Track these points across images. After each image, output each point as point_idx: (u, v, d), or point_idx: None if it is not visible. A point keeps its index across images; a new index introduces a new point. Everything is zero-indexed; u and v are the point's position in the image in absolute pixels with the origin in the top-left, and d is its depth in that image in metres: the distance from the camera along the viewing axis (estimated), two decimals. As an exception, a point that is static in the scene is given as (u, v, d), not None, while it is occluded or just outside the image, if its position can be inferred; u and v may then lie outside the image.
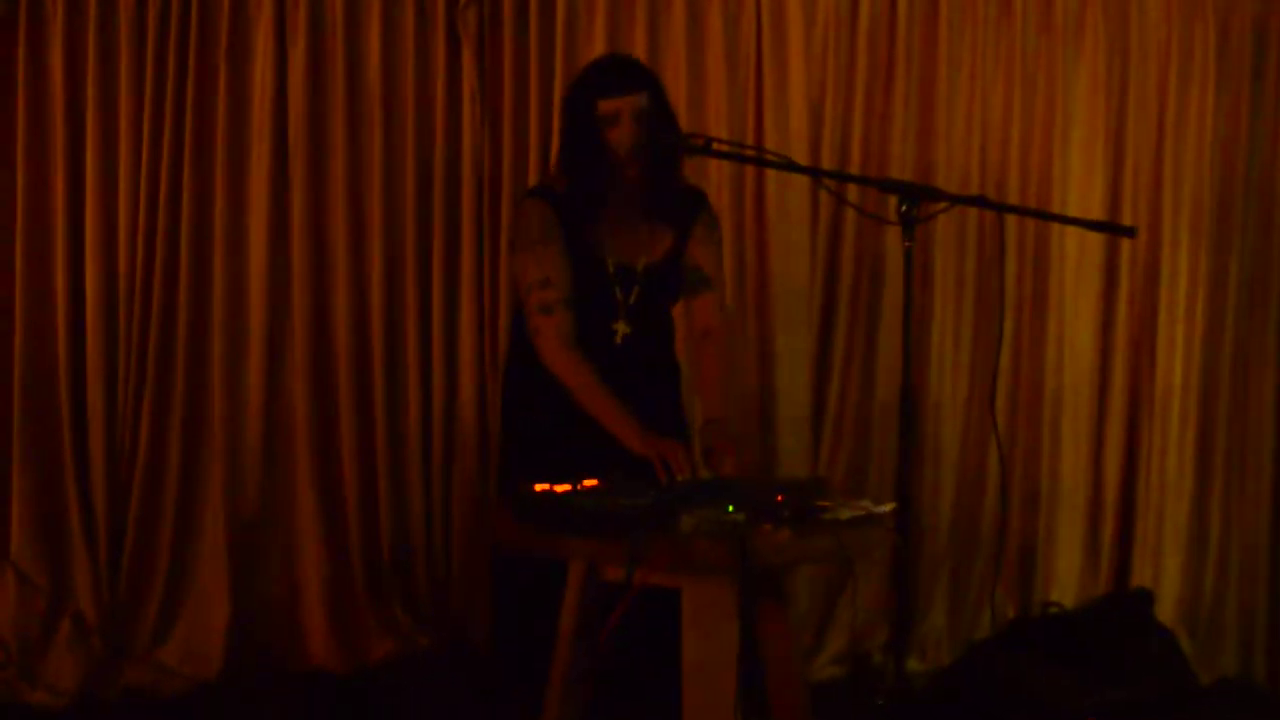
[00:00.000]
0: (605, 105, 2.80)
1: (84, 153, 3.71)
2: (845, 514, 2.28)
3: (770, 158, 2.75)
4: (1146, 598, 3.56)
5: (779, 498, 2.28)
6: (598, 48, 3.83)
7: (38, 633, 3.64)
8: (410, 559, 3.92)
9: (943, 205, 2.51)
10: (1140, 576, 3.92)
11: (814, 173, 3.75)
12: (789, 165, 2.71)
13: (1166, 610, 3.82)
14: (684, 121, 3.09)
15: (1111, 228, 2.55)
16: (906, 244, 2.49)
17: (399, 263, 3.90)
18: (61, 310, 3.72)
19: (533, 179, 3.87)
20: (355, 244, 3.88)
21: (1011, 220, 3.88)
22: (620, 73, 2.88)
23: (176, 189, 3.75)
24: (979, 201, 2.54)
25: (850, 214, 3.97)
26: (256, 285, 3.82)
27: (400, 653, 3.81)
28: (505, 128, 3.89)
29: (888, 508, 2.33)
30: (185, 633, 3.75)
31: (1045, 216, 2.72)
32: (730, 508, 2.21)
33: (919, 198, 2.48)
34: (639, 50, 3.83)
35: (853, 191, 3.91)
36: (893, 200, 2.57)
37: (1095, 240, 3.96)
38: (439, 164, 3.90)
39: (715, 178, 3.84)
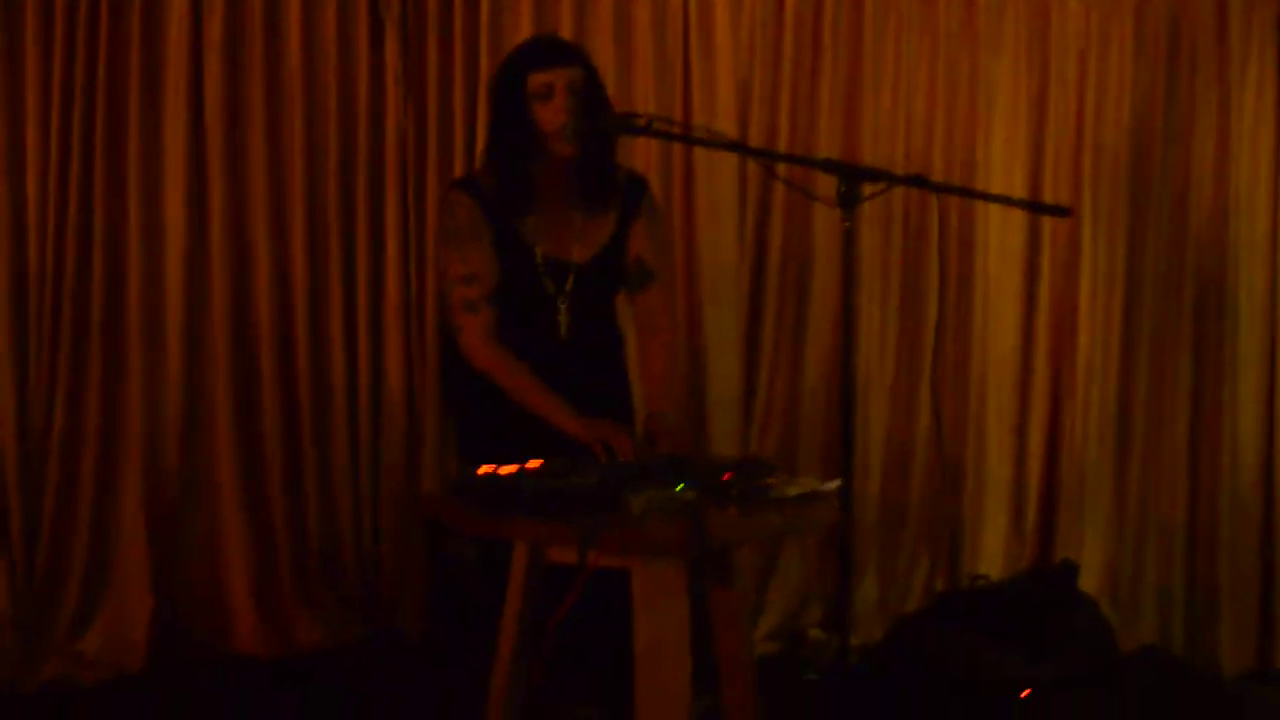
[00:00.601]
0: (536, 79, 2.73)
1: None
2: (792, 491, 2.29)
3: (712, 137, 2.73)
4: (1072, 570, 3.64)
5: (726, 475, 2.28)
6: (524, 29, 3.80)
7: (-50, 627, 3.54)
8: (338, 544, 3.88)
9: (881, 185, 2.52)
10: (1063, 550, 4.01)
11: (759, 154, 3.75)
12: (735, 146, 2.72)
13: (1089, 582, 3.91)
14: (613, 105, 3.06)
15: (1047, 208, 2.59)
16: (845, 224, 2.51)
17: (322, 246, 3.84)
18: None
19: (458, 163, 3.84)
20: (276, 227, 3.81)
21: (936, 203, 3.94)
22: (552, 47, 2.83)
23: (89, 168, 3.65)
24: (919, 182, 2.56)
25: (779, 196, 3.99)
26: (174, 269, 3.74)
27: (330, 639, 3.76)
28: (430, 110, 3.85)
29: (833, 485, 2.35)
30: (106, 622, 3.67)
31: (985, 198, 2.76)
32: (680, 487, 2.21)
33: (859, 178, 2.49)
34: (566, 31, 3.82)
35: (780, 172, 3.93)
36: (821, 185, 2.58)
37: (1018, 224, 4.03)
38: (362, 146, 3.85)
39: (643, 158, 3.83)
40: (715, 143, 2.76)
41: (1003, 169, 4.04)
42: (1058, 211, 2.55)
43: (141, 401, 3.71)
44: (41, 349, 3.65)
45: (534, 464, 2.37)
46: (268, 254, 3.80)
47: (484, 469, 2.34)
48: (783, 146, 3.99)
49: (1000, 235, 4.06)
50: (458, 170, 3.82)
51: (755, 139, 3.97)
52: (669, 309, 2.97)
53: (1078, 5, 4.03)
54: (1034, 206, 2.68)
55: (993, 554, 4.06)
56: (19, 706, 3.40)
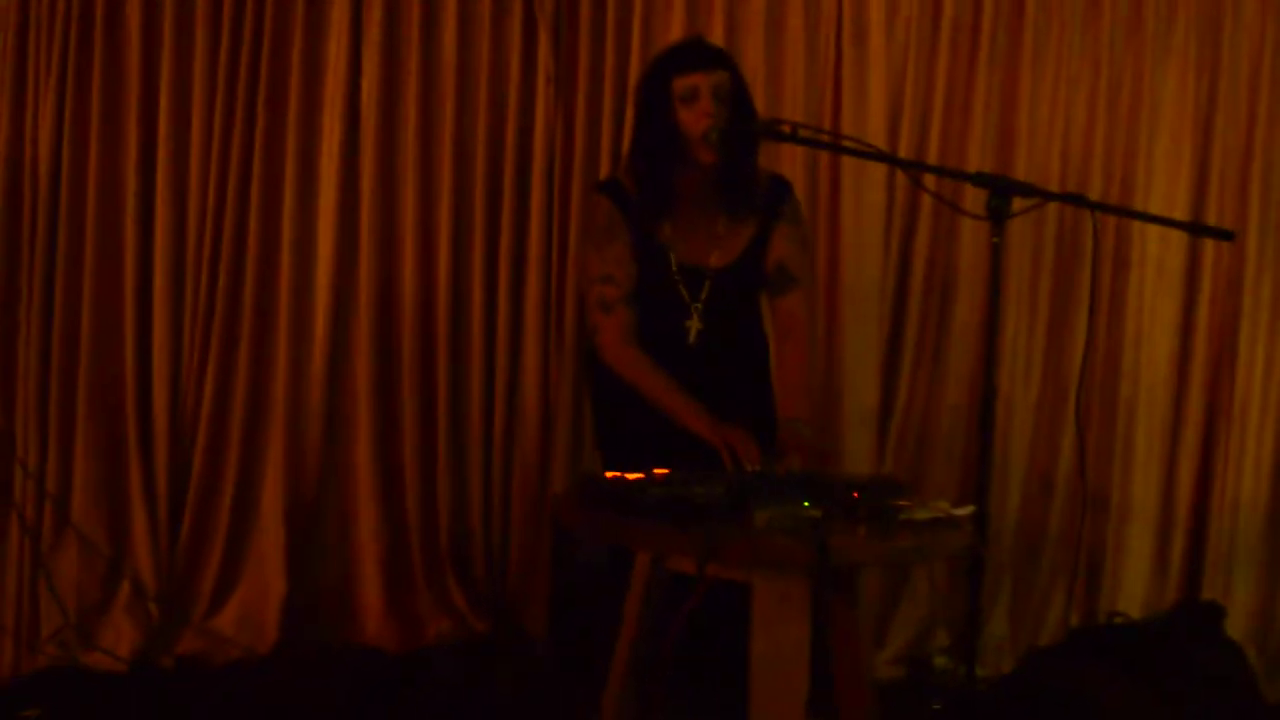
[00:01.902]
0: (682, 82, 2.71)
1: (156, 124, 3.72)
2: (923, 515, 2.22)
3: (858, 146, 2.67)
4: (1217, 611, 3.49)
5: (855, 495, 2.22)
6: (675, 30, 3.80)
7: (97, 597, 3.67)
8: (468, 541, 3.91)
9: (1033, 201, 2.44)
10: (1210, 591, 3.83)
11: (907, 165, 3.67)
12: (879, 155, 2.65)
13: (1236, 626, 3.73)
14: (761, 110, 3.02)
15: (1208, 230, 2.47)
16: (995, 239, 2.42)
17: (466, 243, 3.88)
18: (129, 278, 3.73)
19: (605, 164, 3.84)
20: (423, 222, 3.86)
21: (1091, 220, 3.80)
22: (699, 50, 2.81)
23: (248, 160, 3.76)
24: (1073, 199, 2.46)
25: (925, 210, 3.90)
26: (324, 261, 3.82)
27: (455, 635, 3.80)
28: (579, 111, 3.86)
29: (966, 510, 2.28)
30: (241, 603, 3.76)
31: (1143, 218, 2.64)
32: (806, 503, 2.16)
33: (1010, 192, 2.40)
34: (717, 35, 3.79)
35: (929, 184, 3.84)
36: (970, 197, 2.50)
37: (1178, 243, 3.87)
38: (510, 144, 3.88)
39: (789, 166, 3.78)
40: (862, 152, 2.70)
41: (1165, 183, 3.89)
42: (1221, 235, 2.43)
43: (286, 392, 3.80)
44: (195, 335, 3.77)
45: (660, 471, 2.35)
46: (413, 250, 3.85)
47: (611, 474, 2.33)
48: (933, 157, 3.90)
49: (1158, 255, 3.90)
50: (603, 171, 3.83)
51: (905, 148, 3.89)
52: (809, 315, 2.93)
53: (1252, 14, 3.85)
54: (1195, 229, 2.56)
55: (1133, 591, 3.90)
56: (156, 677, 3.50)
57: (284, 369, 3.80)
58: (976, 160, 3.88)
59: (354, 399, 3.87)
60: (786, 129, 2.57)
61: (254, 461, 3.81)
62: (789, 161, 3.79)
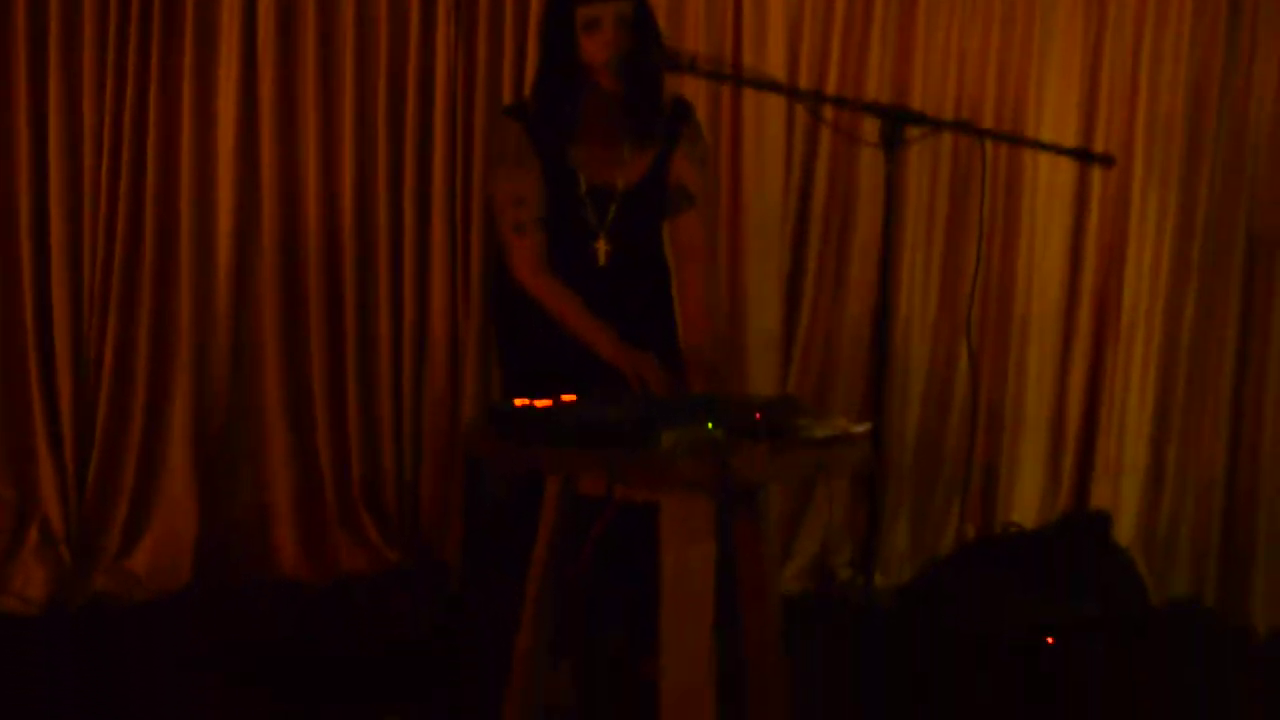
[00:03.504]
0: (584, 11, 2.71)
1: (46, 57, 3.63)
2: (821, 432, 2.30)
3: (757, 79, 2.71)
4: (1105, 519, 3.64)
5: (757, 415, 2.29)
6: (576, -39, 3.78)
7: (5, 542, 3.64)
8: (380, 474, 3.94)
9: (927, 130, 2.50)
10: (1099, 500, 3.99)
11: (803, 96, 3.72)
12: (781, 88, 2.69)
13: (1124, 533, 3.90)
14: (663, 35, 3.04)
15: (1090, 155, 2.56)
16: (889, 167, 2.49)
17: (370, 176, 3.87)
18: (25, 220, 3.66)
19: (507, 93, 3.84)
20: (326, 156, 3.84)
21: (984, 147, 3.88)
22: None
23: (143, 95, 3.70)
24: (964, 127, 2.55)
25: (825, 137, 3.97)
26: (224, 195, 3.79)
27: (370, 566, 3.84)
28: (479, 42, 3.85)
29: (864, 427, 2.36)
30: (153, 543, 3.76)
31: (1028, 144, 2.73)
32: (710, 425, 2.23)
33: (903, 121, 2.47)
34: (618, -38, 3.78)
35: (827, 114, 3.90)
36: (868, 125, 2.55)
37: (1067, 168, 3.99)
38: (412, 76, 3.86)
39: (690, 94, 3.79)
40: (762, 84, 2.75)
41: (1055, 113, 3.98)
42: (1103, 161, 2.52)
43: (191, 330, 3.78)
44: (95, 277, 3.72)
45: (568, 398, 2.40)
46: (316, 185, 3.83)
47: (519, 401, 2.37)
48: (832, 85, 3.96)
49: (1048, 179, 4.01)
50: (506, 96, 3.83)
51: (805, 76, 3.94)
52: (706, 233, 2.98)
53: (1139, -52, 3.95)
54: (1079, 154, 2.64)
55: (1027, 501, 4.05)
56: (69, 620, 3.50)
57: (188, 308, 3.77)
58: (874, 90, 3.94)
59: (260, 337, 3.86)
60: (687, 61, 2.60)
61: (161, 402, 3.79)
62: (691, 89, 3.80)
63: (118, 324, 3.73)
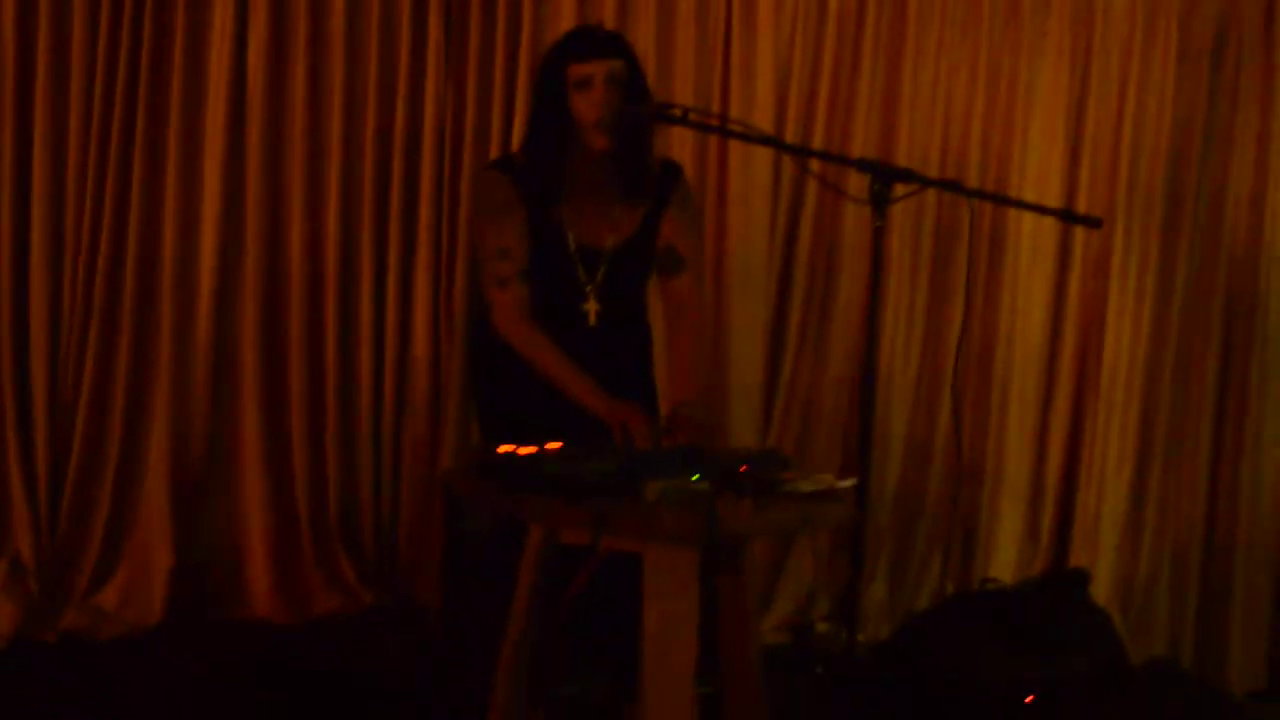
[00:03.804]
0: (577, 70, 2.74)
1: (33, 85, 3.62)
2: (807, 487, 2.30)
3: (747, 131, 2.73)
4: (1083, 577, 3.64)
5: (742, 468, 2.29)
6: (566, 10, 3.81)
7: (-26, 576, 3.60)
8: (358, 514, 3.92)
9: (914, 187, 2.52)
10: (1078, 557, 4.00)
11: (793, 150, 3.76)
12: (770, 141, 2.71)
13: (1101, 590, 3.91)
14: (652, 91, 3.06)
15: (1079, 219, 2.58)
16: (877, 223, 2.51)
17: (355, 219, 3.87)
18: (4, 243, 3.64)
19: (495, 142, 3.86)
20: (311, 200, 3.84)
21: (968, 205, 3.92)
22: (594, 38, 2.82)
23: (129, 131, 3.69)
24: (953, 187, 2.56)
25: (811, 190, 4.00)
26: (208, 235, 3.78)
27: (345, 608, 3.80)
28: (469, 90, 3.87)
29: (849, 483, 2.36)
30: (125, 578, 3.72)
31: (1018, 205, 2.75)
32: (695, 477, 2.23)
33: (893, 178, 2.49)
34: (609, 16, 3.83)
35: (814, 167, 3.93)
36: (854, 180, 2.57)
37: (1050, 227, 4.03)
38: (400, 122, 3.87)
39: (679, 145, 3.84)
40: (750, 136, 2.76)
41: (1039, 168, 4.03)
42: (1090, 223, 2.55)
43: (170, 365, 3.76)
44: (75, 310, 3.70)
45: (553, 446, 2.39)
46: (301, 225, 3.83)
47: (504, 448, 2.37)
48: (819, 138, 4.00)
49: (1032, 237, 4.06)
50: (494, 148, 3.85)
51: (792, 129, 3.97)
52: (698, 295, 2.98)
53: (1123, 6, 4.01)
54: (1066, 216, 2.68)
55: (1006, 558, 4.06)
56: (38, 654, 3.45)
57: (168, 343, 3.75)
58: (860, 144, 3.98)
59: (240, 374, 3.84)
60: (678, 113, 2.61)
61: (137, 436, 3.76)
62: (679, 142, 3.85)
63: (96, 356, 3.70)
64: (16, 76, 3.61)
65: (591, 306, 2.87)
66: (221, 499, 3.85)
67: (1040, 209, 2.67)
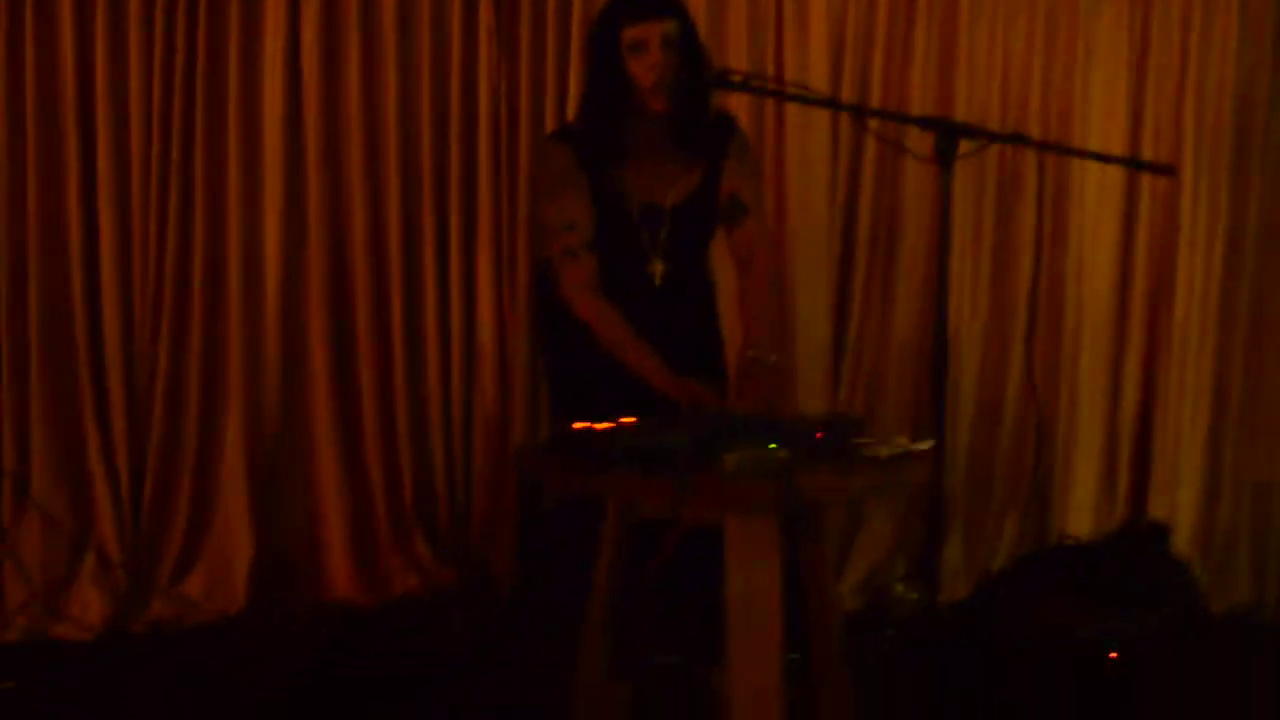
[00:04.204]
0: (631, 32, 2.71)
1: (94, 73, 3.67)
2: (885, 451, 2.29)
3: (805, 93, 2.70)
4: (1162, 530, 3.61)
5: (819, 435, 2.28)
6: (617, -18, 3.78)
7: (62, 569, 3.67)
8: (432, 497, 3.95)
9: (980, 143, 2.48)
10: (1156, 509, 3.96)
11: (853, 109, 3.70)
12: (828, 103, 2.68)
13: (1181, 542, 3.86)
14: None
15: (1151, 166, 2.54)
16: (943, 179, 2.47)
17: (416, 200, 3.89)
18: (75, 243, 3.70)
19: (549, 119, 3.85)
20: (371, 183, 3.86)
21: (1032, 157, 3.87)
22: (646, 0, 2.80)
23: (189, 125, 3.73)
24: (1018, 139, 2.51)
25: (870, 149, 3.96)
26: (272, 216, 3.82)
27: (423, 587, 3.84)
28: (522, 65, 3.86)
29: (925, 445, 2.34)
30: (208, 566, 3.78)
31: (1083, 155, 2.70)
32: (772, 445, 2.22)
33: (956, 134, 2.45)
34: (660, -22, 3.78)
35: (873, 126, 3.89)
36: (914, 138, 2.52)
37: (1115, 177, 3.95)
38: (455, 101, 3.87)
39: (735, 109, 3.79)
40: (808, 98, 2.73)
41: (1101, 120, 3.96)
42: (1163, 170, 2.50)
43: (241, 358, 3.81)
44: (146, 303, 3.75)
45: (628, 421, 2.40)
46: (363, 207, 3.85)
47: (579, 425, 2.37)
48: (875, 96, 3.95)
49: (1097, 191, 3.98)
50: (549, 120, 3.84)
51: (847, 88, 3.93)
52: (765, 240, 2.96)
53: (1184, -43, 3.93)
54: (1137, 164, 2.63)
55: (1082, 514, 4.01)
56: (128, 643, 3.53)
57: (237, 337, 3.80)
58: (918, 101, 3.93)
59: (309, 364, 3.88)
60: (736, 78, 2.59)
61: (213, 427, 3.81)
62: (735, 104, 3.81)
63: (168, 352, 3.76)
64: (77, 84, 3.66)
65: (657, 268, 2.86)
66: (297, 488, 3.90)
67: (1111, 159, 2.63)
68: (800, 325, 3.96)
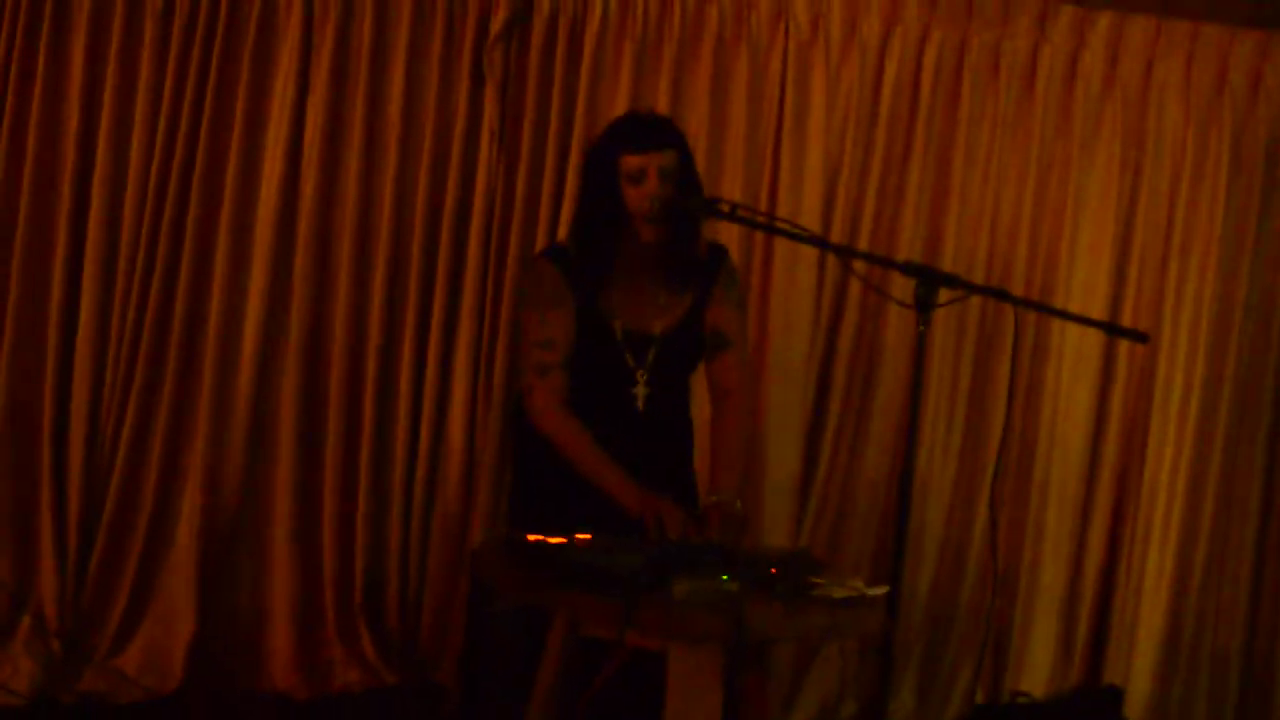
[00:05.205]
0: (630, 161, 2.75)
1: (95, 148, 3.69)
2: (838, 593, 2.27)
3: (794, 229, 2.73)
4: (1115, 695, 3.58)
5: (773, 570, 2.26)
6: (621, 95, 3.85)
7: (-2, 629, 3.59)
8: (383, 589, 3.89)
9: (959, 293, 2.51)
10: (1112, 673, 3.92)
11: (839, 250, 3.75)
12: (816, 241, 2.71)
13: (1135, 708, 3.82)
14: (702, 179, 3.06)
15: (1125, 332, 2.56)
16: (920, 327, 2.49)
17: (400, 295, 3.88)
18: (54, 311, 3.68)
19: (544, 221, 3.87)
20: (359, 269, 3.86)
21: (1012, 310, 3.89)
22: (648, 128, 2.84)
23: (184, 194, 3.74)
24: (999, 294, 2.54)
25: (853, 290, 3.99)
26: (255, 299, 3.80)
27: (364, 685, 3.76)
28: (520, 168, 3.89)
29: (880, 590, 2.32)
30: (147, 643, 3.70)
31: (1064, 316, 2.74)
32: (724, 577, 2.20)
33: (937, 283, 2.48)
34: (662, 102, 3.84)
35: (859, 268, 3.92)
36: (898, 281, 2.55)
37: (1094, 336, 3.99)
38: (451, 197, 3.89)
39: (725, 235, 3.83)
40: (796, 235, 2.77)
41: (1086, 277, 4.01)
42: (1136, 337, 2.52)
43: (208, 428, 3.76)
44: (118, 366, 3.72)
45: (583, 538, 2.37)
46: (346, 294, 3.85)
47: (533, 536, 2.35)
48: (865, 235, 3.99)
49: (1076, 346, 4.02)
50: (541, 228, 3.86)
51: (839, 225, 3.97)
52: (744, 374, 2.97)
53: (1175, 119, 4.01)
54: (1112, 329, 2.66)
55: (1038, 671, 3.97)
56: (55, 714, 3.43)
57: (206, 405, 3.76)
58: (907, 242, 3.97)
59: (276, 440, 3.84)
60: (726, 208, 2.62)
61: (169, 499, 3.76)
62: (725, 233, 3.84)
63: (134, 418, 3.72)
64: (79, 138, 3.67)
65: (640, 390, 2.86)
66: (248, 567, 3.83)
67: (1086, 320, 2.66)
68: (770, 458, 3.94)
